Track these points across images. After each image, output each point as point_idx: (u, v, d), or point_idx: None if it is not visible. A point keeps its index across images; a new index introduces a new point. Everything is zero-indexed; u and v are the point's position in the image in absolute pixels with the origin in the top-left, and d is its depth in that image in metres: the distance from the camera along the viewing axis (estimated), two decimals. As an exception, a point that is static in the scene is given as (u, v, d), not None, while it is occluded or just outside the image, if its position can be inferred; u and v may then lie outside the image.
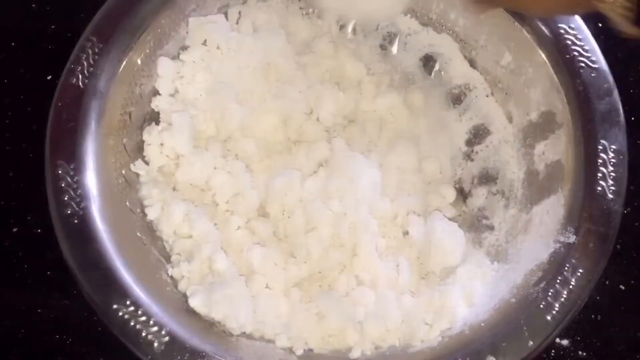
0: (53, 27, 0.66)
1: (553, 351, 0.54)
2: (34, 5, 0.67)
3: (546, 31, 0.53)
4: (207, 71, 0.57)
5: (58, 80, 0.61)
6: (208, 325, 0.47)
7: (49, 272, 0.56)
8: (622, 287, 0.51)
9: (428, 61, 0.62)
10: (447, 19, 0.60)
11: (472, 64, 0.61)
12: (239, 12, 0.59)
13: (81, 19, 0.65)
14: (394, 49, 0.63)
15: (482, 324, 0.46)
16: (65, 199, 0.46)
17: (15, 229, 0.57)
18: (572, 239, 0.47)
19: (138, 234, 0.50)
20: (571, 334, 0.52)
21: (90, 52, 0.51)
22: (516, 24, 0.55)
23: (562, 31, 0.53)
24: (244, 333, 0.48)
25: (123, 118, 0.53)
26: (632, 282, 0.56)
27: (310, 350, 0.48)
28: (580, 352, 0.54)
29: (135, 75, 0.54)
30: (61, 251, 0.55)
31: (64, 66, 0.61)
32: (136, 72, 0.54)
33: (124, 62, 0.52)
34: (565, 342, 0.54)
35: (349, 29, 0.63)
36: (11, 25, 0.66)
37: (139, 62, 0.54)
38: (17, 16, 0.66)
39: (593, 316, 0.54)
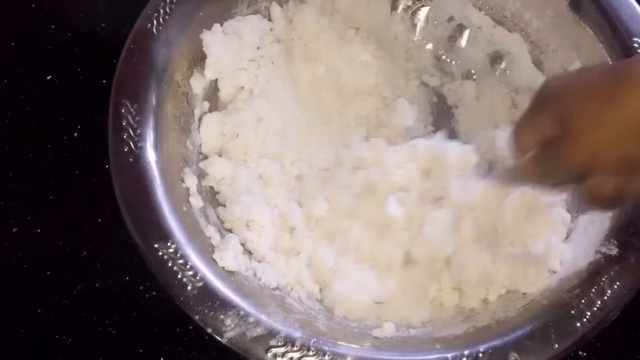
0: (53, 27, 0.83)
1: (553, 351, 0.66)
2: (33, 5, 0.84)
3: (619, 44, 0.66)
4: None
5: (58, 80, 0.80)
6: (239, 280, 0.60)
7: (49, 272, 0.70)
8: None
9: (495, 59, 0.78)
10: (522, 18, 0.74)
11: (539, 66, 0.75)
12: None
13: (81, 18, 0.84)
14: (463, 42, 0.79)
15: (510, 319, 0.58)
16: (124, 136, 0.60)
17: (15, 229, 0.72)
18: (615, 251, 0.59)
19: (185, 184, 0.64)
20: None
21: (168, 0, 0.66)
22: (590, 32, 0.68)
23: (635, 45, 0.66)
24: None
25: (190, 69, 0.68)
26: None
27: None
28: (580, 352, 0.67)
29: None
30: (61, 251, 0.71)
31: (64, 66, 0.80)
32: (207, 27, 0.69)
33: (198, 16, 0.68)
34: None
35: (422, 16, 0.78)
36: (11, 25, 0.83)
37: (211, 17, 0.69)
38: (17, 16, 0.84)
39: (593, 316, 0.64)
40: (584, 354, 0.67)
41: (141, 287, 0.69)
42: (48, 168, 0.75)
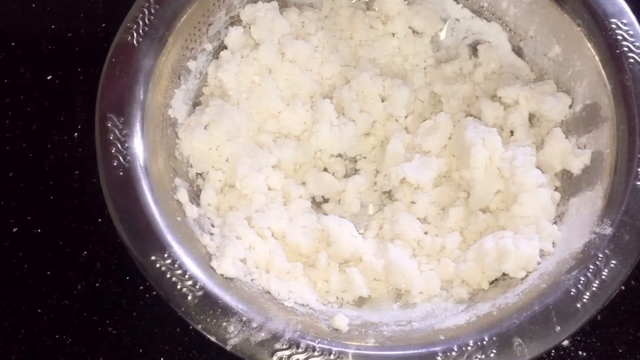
0: (53, 27, 0.82)
1: (553, 351, 0.66)
2: (34, 5, 0.83)
3: (597, 26, 0.66)
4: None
5: (58, 80, 0.79)
6: (239, 286, 0.59)
7: (49, 272, 0.69)
8: (622, 287, 0.58)
9: (476, 49, 0.77)
10: (498, 7, 0.76)
11: (519, 53, 0.75)
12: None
13: (81, 19, 0.83)
14: (442, 34, 0.78)
15: (511, 305, 0.58)
16: (113, 151, 0.59)
17: (15, 229, 0.71)
18: (608, 230, 0.58)
19: (177, 195, 0.63)
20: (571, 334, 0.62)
21: (146, 12, 0.65)
22: (567, 16, 0.68)
23: (613, 26, 0.66)
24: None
25: (172, 79, 0.67)
26: (632, 282, 0.69)
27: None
28: (580, 352, 0.67)
29: (187, 39, 0.69)
30: (61, 251, 0.70)
31: (64, 66, 0.79)
32: (188, 35, 0.69)
33: (177, 26, 0.67)
34: (565, 342, 0.66)
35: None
36: (11, 25, 0.82)
37: (191, 26, 0.69)
38: (17, 16, 0.83)
39: (593, 316, 0.65)
40: (584, 354, 0.67)
41: (141, 287, 0.68)
42: (48, 168, 0.74)
